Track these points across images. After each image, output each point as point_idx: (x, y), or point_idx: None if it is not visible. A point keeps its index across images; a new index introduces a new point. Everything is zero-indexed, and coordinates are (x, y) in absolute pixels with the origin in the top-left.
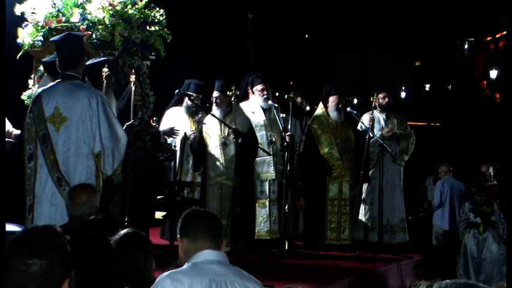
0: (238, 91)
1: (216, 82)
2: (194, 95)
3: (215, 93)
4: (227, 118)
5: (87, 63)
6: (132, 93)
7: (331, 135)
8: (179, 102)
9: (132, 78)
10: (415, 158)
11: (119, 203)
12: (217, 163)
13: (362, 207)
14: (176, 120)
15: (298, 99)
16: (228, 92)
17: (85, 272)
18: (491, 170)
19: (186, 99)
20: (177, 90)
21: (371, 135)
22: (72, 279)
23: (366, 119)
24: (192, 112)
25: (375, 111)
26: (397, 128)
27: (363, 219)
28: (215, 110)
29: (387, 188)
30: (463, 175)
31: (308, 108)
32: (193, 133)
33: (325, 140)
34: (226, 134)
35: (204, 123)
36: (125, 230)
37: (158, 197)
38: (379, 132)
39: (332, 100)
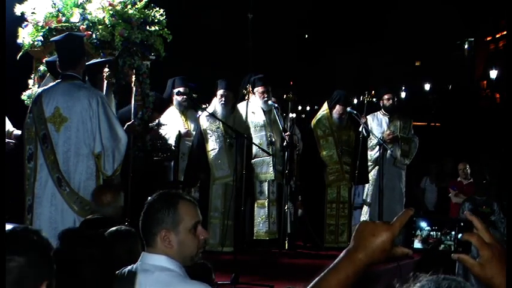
0: (245, 90)
1: (221, 81)
2: (195, 95)
3: (221, 92)
4: (231, 117)
5: (87, 63)
6: (132, 109)
7: (333, 137)
8: (169, 101)
9: (133, 80)
10: (415, 159)
11: None
12: (223, 164)
13: (363, 209)
14: (169, 119)
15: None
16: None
17: (84, 271)
18: (467, 168)
19: (175, 97)
20: (176, 90)
21: (364, 133)
22: (52, 283)
23: (368, 120)
24: (184, 108)
25: (378, 113)
26: (400, 130)
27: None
28: (221, 109)
29: (387, 191)
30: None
31: (308, 108)
32: (187, 130)
33: (326, 143)
34: (232, 135)
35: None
36: (113, 228)
37: None
38: (381, 135)
39: (338, 109)
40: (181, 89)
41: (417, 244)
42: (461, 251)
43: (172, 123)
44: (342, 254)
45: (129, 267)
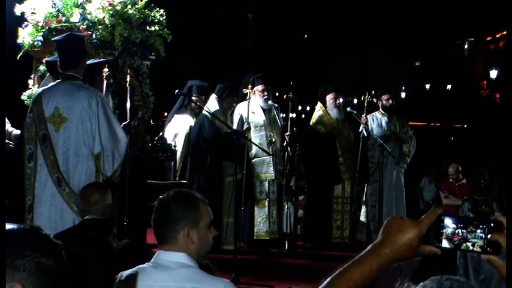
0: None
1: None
2: (194, 95)
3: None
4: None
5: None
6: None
7: (333, 132)
8: (184, 105)
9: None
10: (415, 158)
11: (116, 204)
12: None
13: (363, 209)
14: (182, 125)
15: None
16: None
17: (81, 272)
18: (459, 170)
19: (191, 103)
20: (177, 90)
21: (365, 134)
22: None
23: (368, 120)
24: (195, 114)
25: (376, 113)
26: (399, 130)
27: (365, 221)
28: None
29: (391, 190)
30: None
31: (308, 108)
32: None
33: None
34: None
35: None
36: (124, 241)
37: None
38: (381, 135)
39: (330, 98)
40: (192, 94)
41: (444, 243)
42: (490, 252)
43: (184, 127)
44: (367, 248)
45: (141, 266)
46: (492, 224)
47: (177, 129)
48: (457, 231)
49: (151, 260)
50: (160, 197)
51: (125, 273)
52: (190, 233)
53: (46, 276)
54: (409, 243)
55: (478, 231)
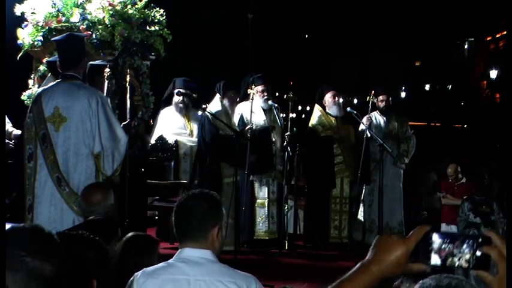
0: (249, 90)
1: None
2: (194, 95)
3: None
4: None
5: (90, 63)
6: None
7: (332, 132)
8: (170, 102)
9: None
10: (415, 158)
11: (116, 204)
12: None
13: (361, 208)
14: (170, 120)
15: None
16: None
17: (80, 273)
18: (459, 169)
19: (174, 97)
20: (176, 90)
21: (368, 134)
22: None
23: (366, 120)
24: (182, 109)
25: (375, 113)
26: (398, 130)
27: (362, 220)
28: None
29: (388, 191)
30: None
31: (308, 108)
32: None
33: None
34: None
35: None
36: (130, 233)
37: (155, 197)
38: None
39: (328, 97)
40: (181, 90)
41: (432, 259)
42: (479, 267)
43: (172, 124)
44: (356, 266)
45: (167, 261)
46: (480, 240)
47: (165, 123)
48: (443, 246)
49: (176, 257)
50: (185, 196)
51: (149, 268)
52: (219, 232)
53: (42, 276)
54: (396, 261)
55: (465, 246)
